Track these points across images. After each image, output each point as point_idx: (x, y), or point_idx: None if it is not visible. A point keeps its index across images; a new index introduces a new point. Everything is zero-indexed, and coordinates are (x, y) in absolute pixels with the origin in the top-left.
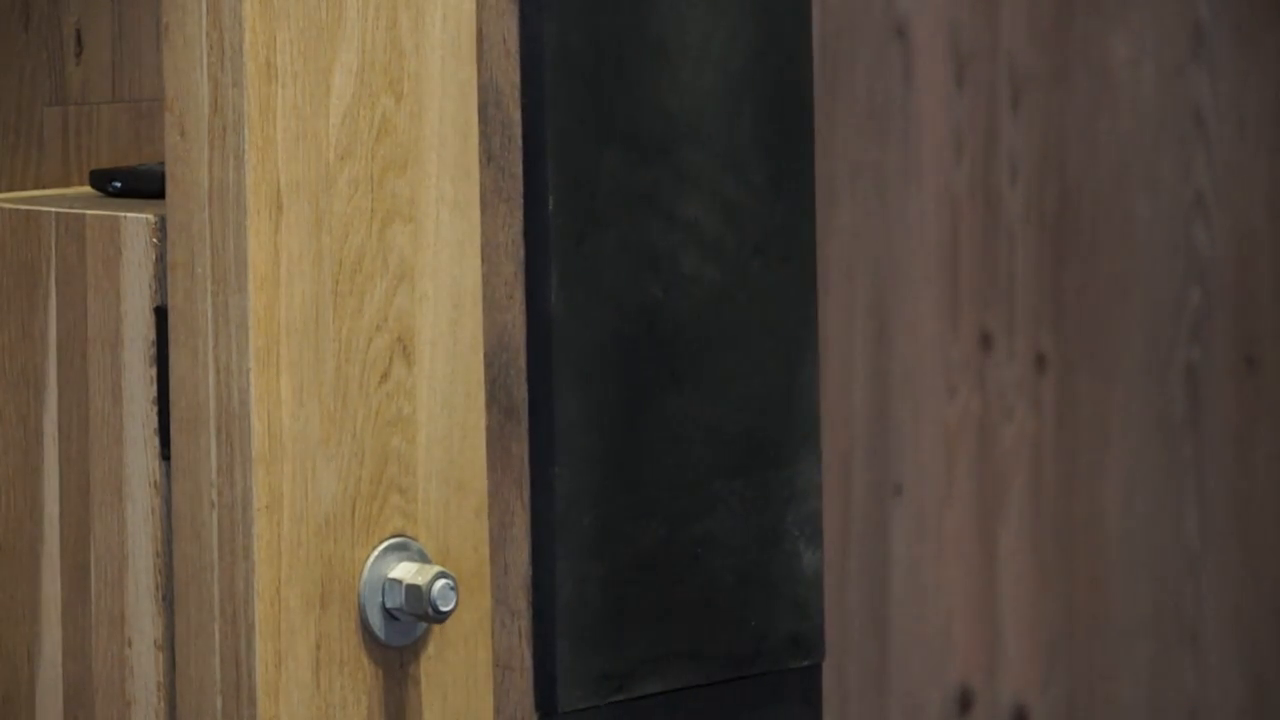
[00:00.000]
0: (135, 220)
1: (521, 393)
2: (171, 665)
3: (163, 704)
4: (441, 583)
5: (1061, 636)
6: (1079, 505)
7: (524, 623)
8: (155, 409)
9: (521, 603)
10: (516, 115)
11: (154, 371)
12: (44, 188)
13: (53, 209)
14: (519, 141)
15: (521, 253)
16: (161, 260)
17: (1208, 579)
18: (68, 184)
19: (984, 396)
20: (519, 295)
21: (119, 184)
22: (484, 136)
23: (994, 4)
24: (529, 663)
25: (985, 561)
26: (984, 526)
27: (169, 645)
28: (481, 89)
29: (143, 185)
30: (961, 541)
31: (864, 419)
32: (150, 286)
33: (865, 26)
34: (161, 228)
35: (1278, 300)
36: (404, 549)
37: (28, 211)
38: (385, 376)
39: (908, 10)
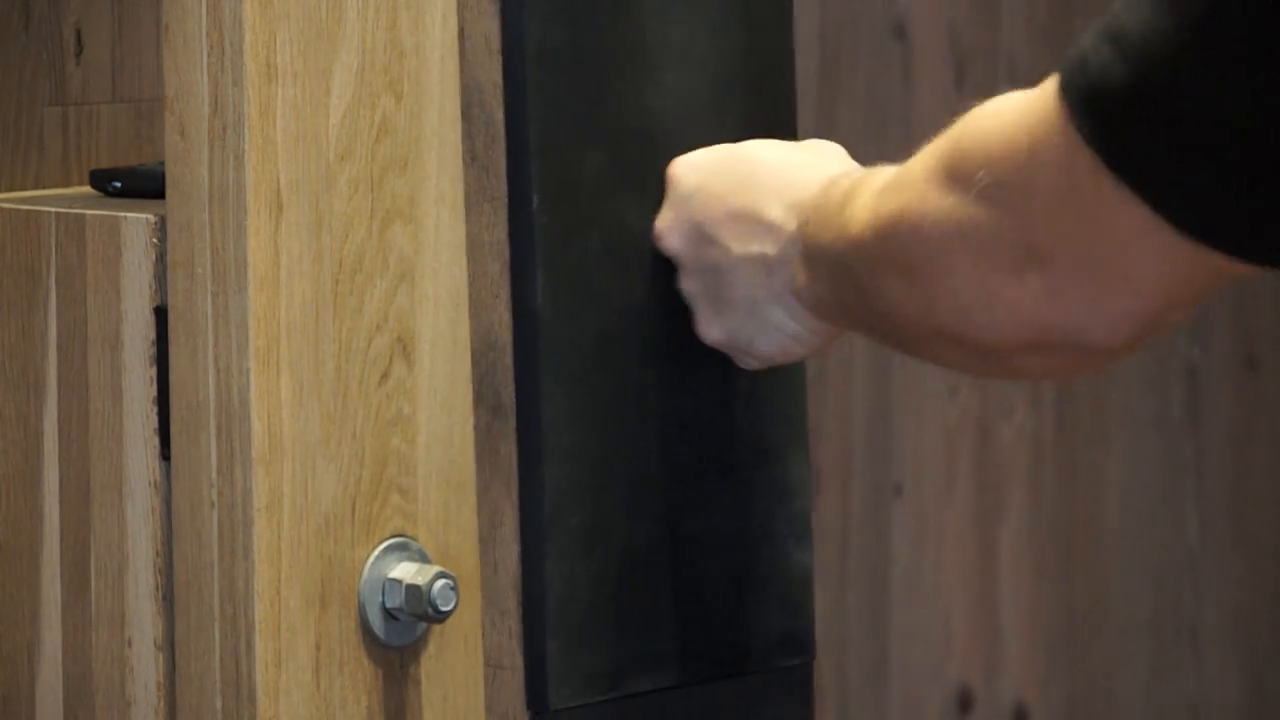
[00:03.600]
0: (135, 220)
1: (509, 392)
2: (171, 665)
3: (163, 704)
4: (441, 583)
5: (1061, 636)
6: (1079, 505)
7: (514, 622)
8: (155, 409)
9: (511, 602)
10: (499, 114)
11: (154, 371)
12: (44, 188)
13: (53, 209)
14: (502, 141)
15: (507, 252)
16: (161, 260)
17: (1207, 578)
18: (68, 184)
19: (984, 396)
20: (505, 294)
21: (119, 184)
22: (467, 136)
23: (994, 4)
24: (520, 661)
25: (985, 561)
26: (984, 526)
27: (169, 645)
28: (464, 89)
29: (143, 185)
30: (961, 541)
31: (864, 419)
32: (150, 286)
33: (865, 26)
34: (161, 228)
35: (1278, 300)
36: (404, 549)
37: (28, 211)
38: (385, 376)
39: (908, 10)
